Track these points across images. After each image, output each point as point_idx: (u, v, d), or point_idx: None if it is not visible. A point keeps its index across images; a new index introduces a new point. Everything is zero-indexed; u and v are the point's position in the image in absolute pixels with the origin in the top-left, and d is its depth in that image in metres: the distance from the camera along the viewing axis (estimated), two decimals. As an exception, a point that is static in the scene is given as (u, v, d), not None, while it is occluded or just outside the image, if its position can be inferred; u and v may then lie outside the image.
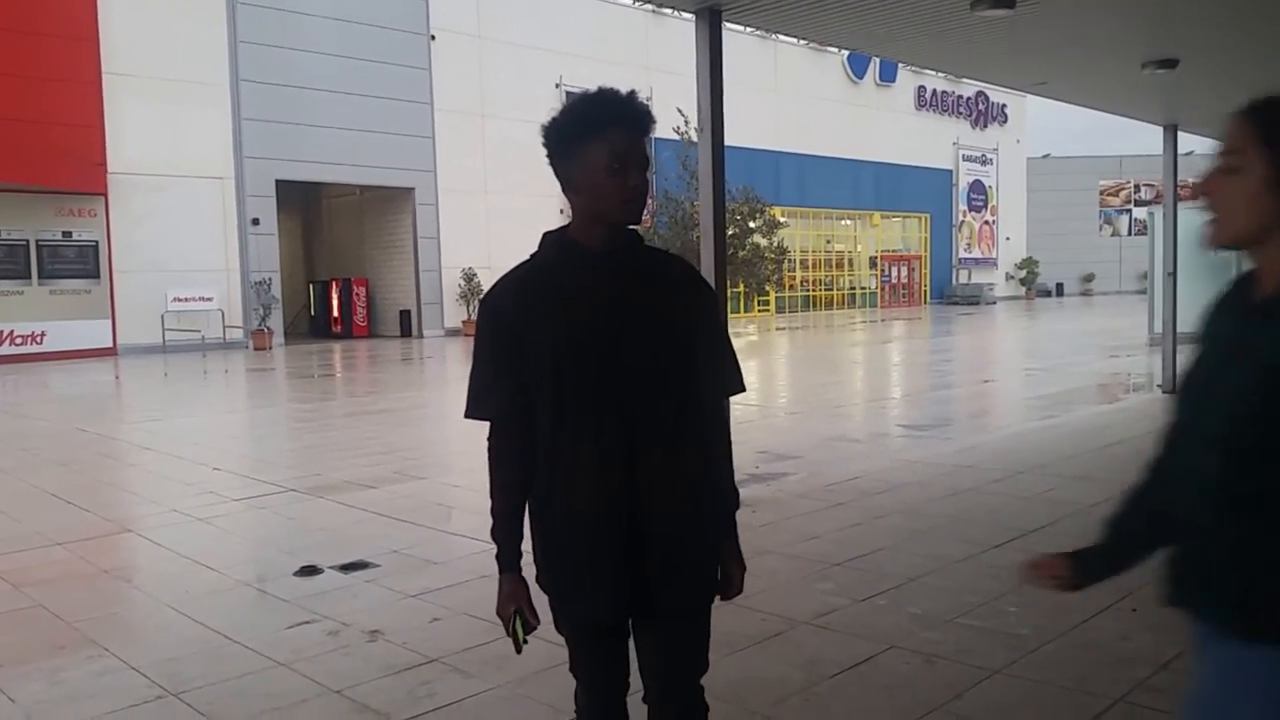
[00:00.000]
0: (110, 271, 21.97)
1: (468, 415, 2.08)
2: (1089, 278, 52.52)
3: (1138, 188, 52.23)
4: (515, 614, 2.03)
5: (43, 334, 21.19)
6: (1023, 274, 48.50)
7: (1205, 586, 1.58)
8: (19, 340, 20.94)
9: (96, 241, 21.83)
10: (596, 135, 1.93)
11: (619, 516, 1.99)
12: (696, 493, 2.07)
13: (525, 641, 2.06)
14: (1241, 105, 1.55)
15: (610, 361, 1.98)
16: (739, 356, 2.18)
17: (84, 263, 21.82)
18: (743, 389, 2.20)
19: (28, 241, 21.07)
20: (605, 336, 1.98)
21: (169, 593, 4.91)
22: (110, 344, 21.92)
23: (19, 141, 19.66)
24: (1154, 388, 12.27)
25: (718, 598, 2.17)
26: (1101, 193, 53.31)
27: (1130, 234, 51.77)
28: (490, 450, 2.07)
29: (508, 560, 2.06)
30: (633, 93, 2.03)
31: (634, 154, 1.95)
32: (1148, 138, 12.40)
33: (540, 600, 2.09)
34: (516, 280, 2.06)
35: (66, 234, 21.49)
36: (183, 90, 22.71)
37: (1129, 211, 52.87)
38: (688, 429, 2.06)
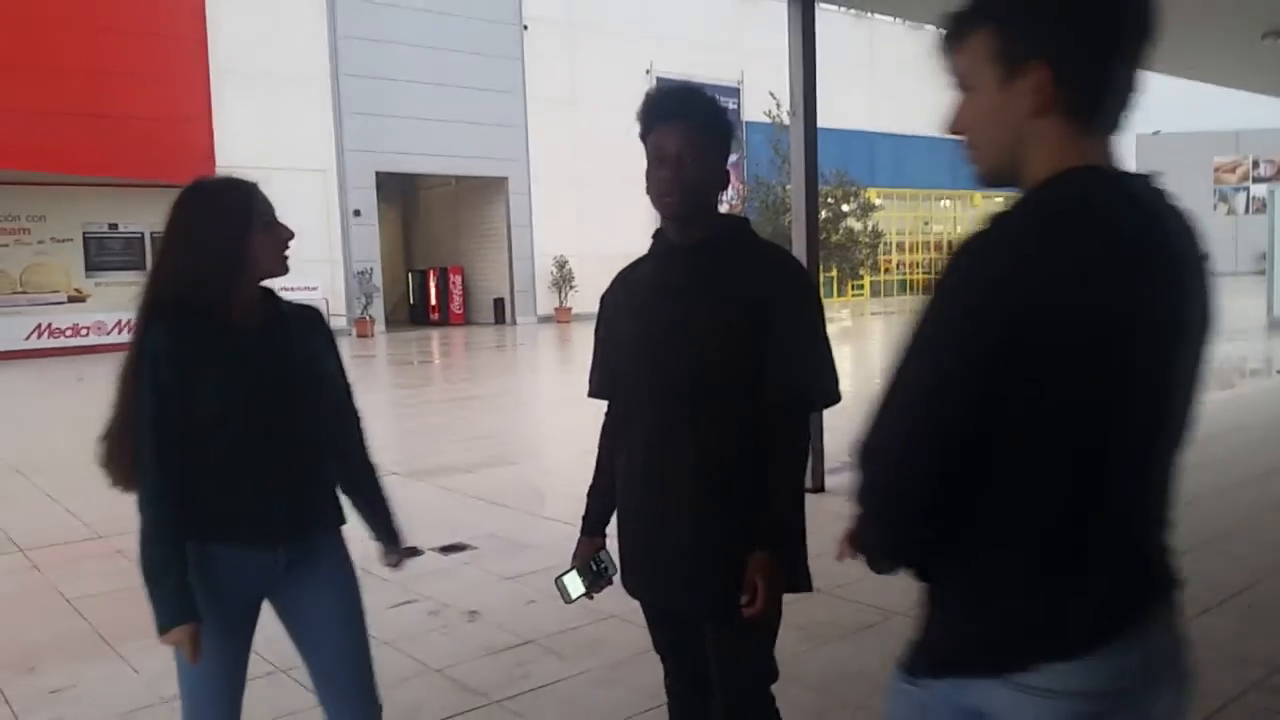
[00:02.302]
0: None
1: (588, 394, 2.29)
2: (1203, 258, 50.30)
3: (1256, 163, 49.69)
4: (573, 568, 2.22)
5: (156, 324, 22.19)
6: (1131, 255, 46.71)
7: None
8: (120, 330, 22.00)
9: (207, 233, 22.70)
10: (648, 132, 2.03)
11: (646, 507, 2.09)
12: (726, 498, 2.01)
13: (575, 598, 2.22)
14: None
15: (658, 355, 2.04)
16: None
17: (195, 254, 22.76)
18: (828, 398, 2.06)
19: (143, 234, 22.06)
20: (656, 331, 2.05)
21: (277, 572, 5.11)
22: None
23: (133, 137, 20.57)
24: (1274, 373, 11.68)
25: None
26: (1216, 169, 50.88)
27: (1248, 212, 49.30)
28: (601, 425, 2.28)
29: (586, 524, 2.27)
30: (688, 88, 2.09)
31: (671, 148, 1.98)
32: (1266, 110, 11.78)
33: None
34: (622, 272, 2.24)
35: (179, 227, 22.43)
36: (286, 85, 23.44)
37: (1246, 189, 50.36)
38: (733, 432, 2.01)
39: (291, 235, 2.15)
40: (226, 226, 2.06)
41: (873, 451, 1.21)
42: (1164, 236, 1.22)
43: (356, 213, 24.83)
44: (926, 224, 40.44)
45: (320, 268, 23.93)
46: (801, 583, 2.11)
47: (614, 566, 2.23)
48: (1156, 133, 50.41)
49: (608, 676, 3.54)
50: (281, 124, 23.34)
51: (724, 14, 31.01)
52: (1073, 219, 1.16)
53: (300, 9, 23.86)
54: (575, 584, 2.21)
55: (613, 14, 28.99)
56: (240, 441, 2.05)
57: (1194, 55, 9.48)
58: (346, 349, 22.54)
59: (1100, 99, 1.22)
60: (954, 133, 1.29)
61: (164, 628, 1.97)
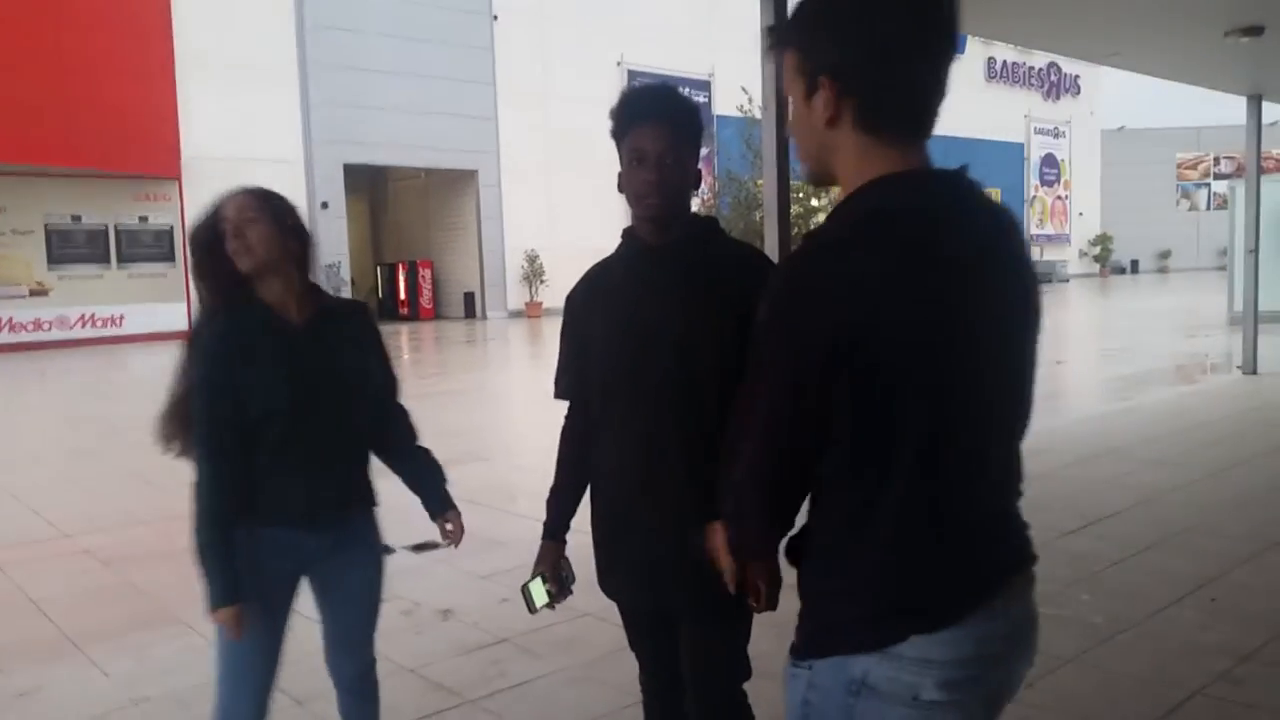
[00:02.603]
0: (185, 255, 22.49)
1: (554, 395, 2.27)
2: (1165, 254, 51.00)
3: (1217, 160, 50.48)
4: (538, 575, 2.20)
5: (121, 317, 21.88)
6: (1097, 250, 47.27)
7: None
8: (100, 323, 21.65)
9: (171, 225, 22.42)
10: (624, 133, 2.02)
11: (627, 509, 2.10)
12: (710, 498, 1.99)
13: (539, 608, 2.20)
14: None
15: (640, 358, 2.04)
16: None
17: (160, 247, 22.45)
18: None
19: (107, 226, 21.74)
20: (636, 334, 2.05)
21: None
22: (187, 327, 22.40)
23: (97, 127, 20.24)
24: (1234, 369, 11.90)
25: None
26: (1179, 166, 51.66)
27: (1209, 208, 50.12)
28: (562, 427, 2.26)
29: (548, 528, 2.24)
30: (664, 88, 2.09)
31: (651, 149, 1.98)
32: (1228, 108, 11.97)
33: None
34: (590, 272, 2.21)
35: (143, 219, 22.12)
36: (252, 75, 23.16)
37: (1208, 185, 51.17)
38: (717, 432, 1.98)
39: (234, 237, 2.23)
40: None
41: (739, 483, 1.33)
42: (972, 235, 1.29)
43: (324, 205, 24.60)
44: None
45: (288, 261, 23.69)
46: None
47: (573, 575, 2.23)
48: (1121, 129, 51.08)
49: (583, 675, 3.55)
50: (248, 115, 23.05)
51: (694, 7, 31.02)
52: (874, 231, 1.23)
53: (267, -1, 23.59)
54: (540, 592, 2.19)
55: (583, 6, 28.91)
56: (289, 432, 2.21)
57: (1157, 53, 9.60)
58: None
59: (887, 106, 1.27)
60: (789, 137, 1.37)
61: (213, 607, 2.17)
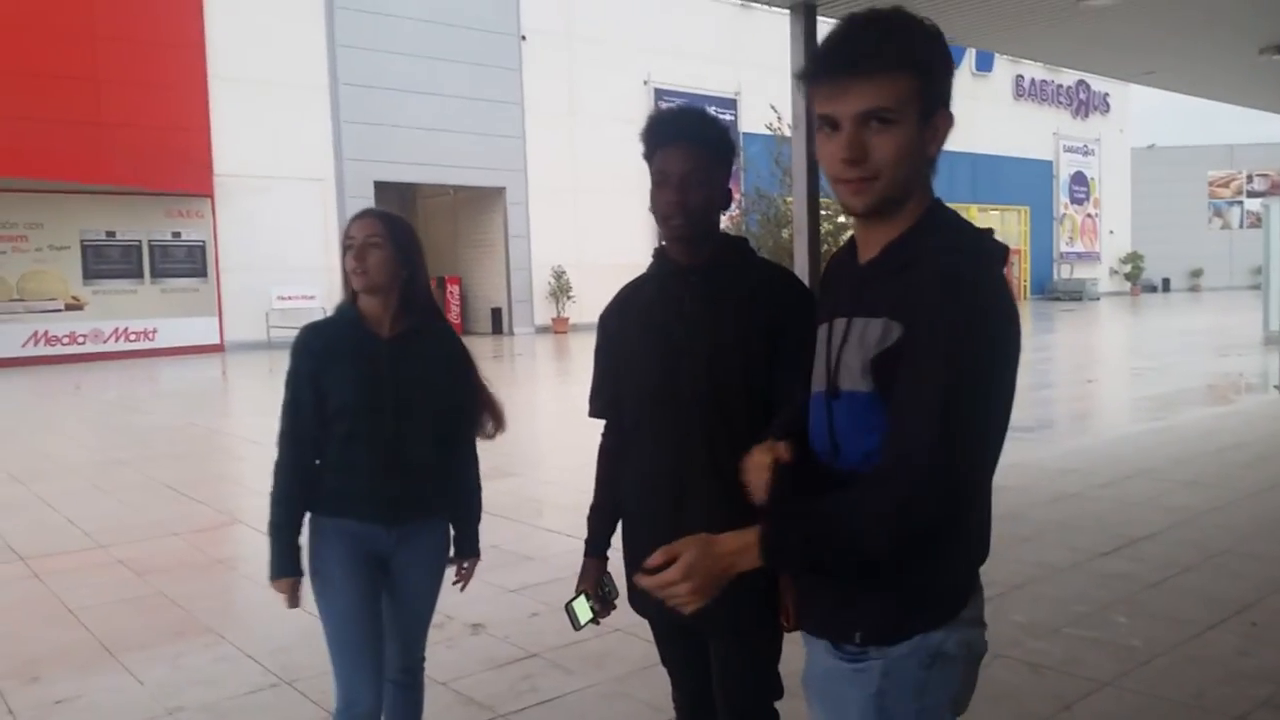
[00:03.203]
0: (217, 270, 22.84)
1: (589, 414, 2.32)
2: (1197, 273, 50.41)
3: (1250, 178, 49.91)
4: (581, 593, 2.22)
5: (154, 330, 22.13)
6: (1127, 269, 46.79)
7: None
8: (133, 336, 21.92)
9: (204, 242, 22.70)
10: (652, 154, 2.05)
11: (658, 526, 2.07)
12: (740, 517, 2.00)
13: (584, 624, 2.21)
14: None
15: (670, 377, 2.06)
16: None
17: (192, 262, 22.72)
18: None
19: (140, 242, 22.02)
20: (666, 354, 2.07)
21: (279, 583, 5.10)
22: (218, 340, 22.79)
23: (132, 146, 20.56)
24: (1270, 389, 11.73)
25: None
26: (1211, 183, 51.09)
27: (1242, 226, 49.50)
28: (599, 446, 2.31)
29: (589, 545, 2.29)
30: (691, 110, 2.12)
31: (675, 170, 2.01)
32: (1262, 125, 11.85)
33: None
34: (622, 291, 2.24)
35: (176, 234, 22.40)
36: (284, 94, 23.43)
37: (1240, 203, 50.56)
38: (743, 446, 1.95)
39: (355, 259, 2.44)
40: (341, 250, 2.51)
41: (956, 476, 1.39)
42: None
43: (353, 222, 24.83)
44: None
45: (318, 276, 23.90)
46: None
47: (617, 590, 2.24)
48: (1151, 147, 50.67)
49: (615, 690, 3.55)
50: (280, 133, 23.32)
51: (722, 26, 31.12)
52: (996, 253, 1.47)
53: (299, 18, 23.86)
54: (584, 610, 2.20)
55: (611, 25, 29.07)
56: (357, 432, 2.44)
57: (1190, 70, 9.55)
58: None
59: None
60: (856, 161, 1.38)
61: (272, 577, 2.48)
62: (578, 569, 2.29)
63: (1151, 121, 49.88)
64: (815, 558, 1.43)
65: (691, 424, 2.04)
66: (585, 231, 28.10)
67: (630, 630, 3.72)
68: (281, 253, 23.36)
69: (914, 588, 1.45)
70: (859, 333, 1.44)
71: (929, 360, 1.33)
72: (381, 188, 25.51)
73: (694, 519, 2.06)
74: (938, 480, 1.32)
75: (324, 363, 2.44)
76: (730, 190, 2.13)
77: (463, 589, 2.74)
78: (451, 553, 2.70)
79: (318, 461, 2.49)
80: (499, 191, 28.00)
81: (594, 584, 2.23)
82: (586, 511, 2.32)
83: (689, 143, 2.02)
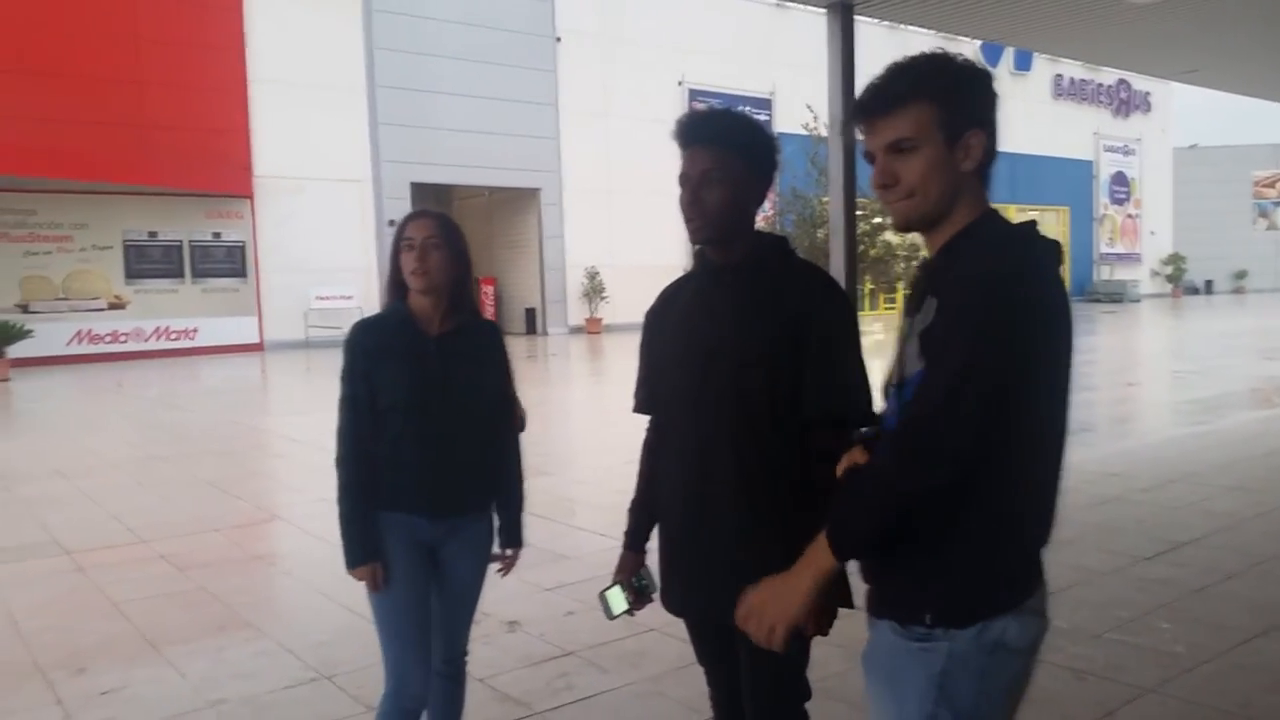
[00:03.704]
0: (256, 270, 23.13)
1: (633, 409, 2.35)
2: (1241, 274, 49.48)
3: (1296, 178, 48.95)
4: (616, 583, 2.25)
5: (195, 330, 22.44)
6: (1169, 270, 46.05)
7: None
8: (173, 335, 22.25)
9: (243, 242, 22.99)
10: (681, 157, 2.09)
11: (686, 523, 2.12)
12: (767, 515, 2.02)
13: (617, 614, 2.25)
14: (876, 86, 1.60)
15: (699, 375, 2.07)
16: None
17: (232, 262, 23.01)
18: (862, 417, 1.94)
19: (181, 242, 22.34)
20: (696, 351, 2.08)
21: (318, 578, 5.16)
22: (257, 340, 23.06)
23: (174, 148, 20.87)
24: (1317, 392, 11.50)
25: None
26: (1256, 184, 50.14)
27: (1288, 227, 48.56)
28: (643, 441, 2.32)
29: (627, 538, 2.30)
30: (713, 112, 2.12)
31: (691, 172, 2.04)
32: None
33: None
34: (666, 289, 2.28)
35: (216, 235, 22.70)
36: (323, 96, 23.67)
37: (1286, 203, 49.61)
38: (774, 451, 2.01)
39: (416, 260, 2.49)
40: (391, 249, 2.56)
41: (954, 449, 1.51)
42: None
43: (391, 223, 24.97)
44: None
45: (355, 277, 24.14)
46: (844, 599, 2.07)
47: (655, 584, 2.25)
48: (1194, 146, 49.83)
49: (650, 690, 3.55)
50: (318, 135, 23.56)
51: (756, 26, 31.02)
52: (1043, 260, 1.59)
53: (337, 21, 24.10)
54: (618, 600, 2.23)
55: (645, 26, 29.08)
56: (407, 428, 2.50)
57: (1234, 69, 9.39)
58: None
59: (993, 159, 1.62)
60: (888, 186, 1.60)
61: (351, 565, 2.52)
62: (613, 566, 2.30)
63: (1194, 120, 49.03)
64: (870, 526, 1.56)
65: (717, 420, 2.05)
66: (619, 232, 28.13)
67: (666, 630, 3.72)
68: (319, 253, 23.61)
69: (982, 572, 1.55)
70: (919, 321, 1.57)
71: (951, 335, 1.48)
72: (418, 189, 25.71)
73: (716, 520, 2.06)
74: (930, 443, 1.47)
75: (375, 360, 2.50)
76: (764, 190, 2.12)
77: (504, 575, 2.78)
78: (496, 544, 2.74)
79: (373, 456, 2.54)
80: (533, 192, 28.11)
81: (628, 576, 2.25)
82: (620, 511, 2.33)
83: (705, 144, 2.04)
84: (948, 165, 1.57)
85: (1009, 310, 1.45)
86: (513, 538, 2.76)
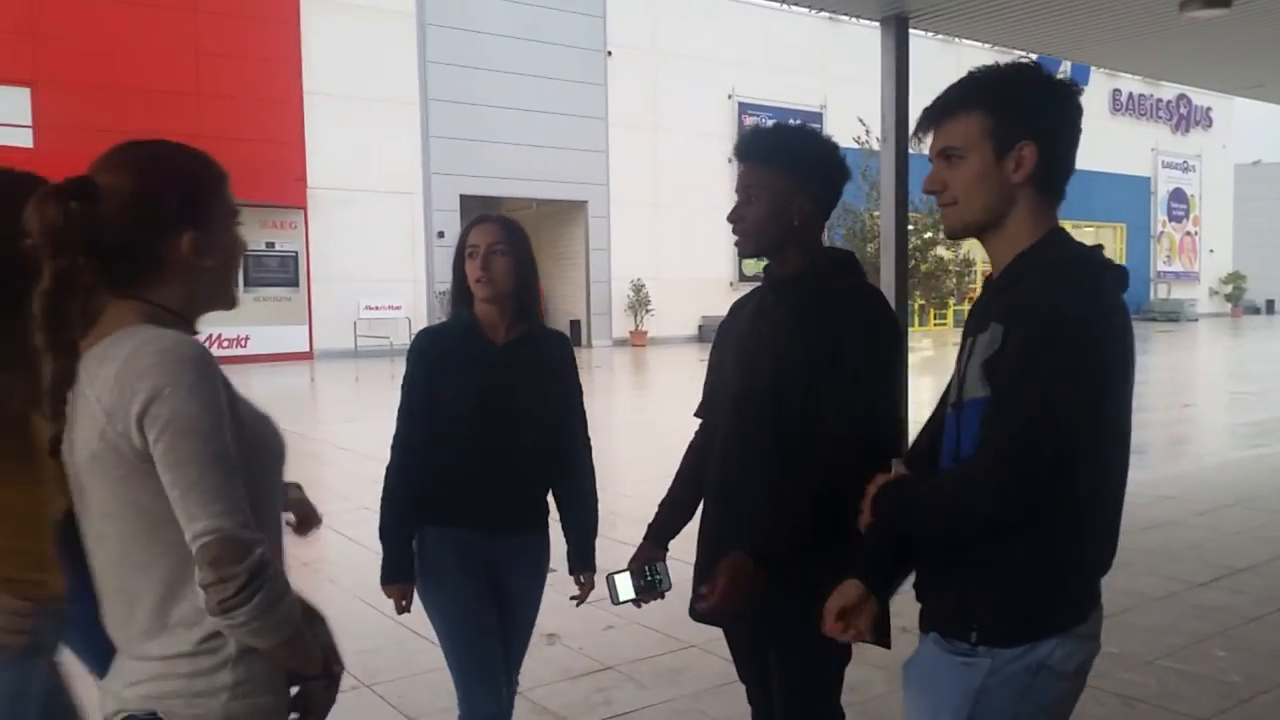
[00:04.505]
0: (308, 280, 23.50)
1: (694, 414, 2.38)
2: (1304, 294, 48.19)
3: (1364, 196, 47.56)
4: (628, 570, 2.22)
5: (247, 338, 22.83)
6: (1228, 289, 44.98)
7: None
8: (226, 343, 22.64)
9: (296, 252, 23.38)
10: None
11: (721, 534, 2.12)
12: (799, 532, 1.98)
13: (622, 600, 2.20)
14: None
15: (743, 385, 2.12)
16: (906, 382, 2.06)
17: (285, 272, 23.41)
18: (879, 447, 1.93)
19: (236, 251, 22.81)
20: (746, 362, 2.13)
21: (361, 586, 5.18)
22: (307, 348, 23.42)
23: (230, 158, 20.61)
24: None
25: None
26: (1321, 201, 48.83)
27: (1354, 246, 47.19)
28: (689, 443, 2.36)
29: (651, 529, 2.29)
30: (762, 130, 2.18)
31: (739, 187, 2.12)
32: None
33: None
34: (739, 300, 2.33)
35: (269, 245, 23.11)
36: (376, 109, 24.04)
37: (1353, 222, 48.20)
38: (807, 467, 1.98)
39: (480, 267, 2.42)
40: (455, 256, 2.50)
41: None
42: None
43: (440, 235, 25.26)
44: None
45: (404, 287, 24.41)
46: (883, 638, 2.00)
47: (668, 582, 2.22)
48: (1257, 163, 48.67)
49: (689, 707, 3.52)
50: (371, 147, 23.91)
51: (808, 39, 30.93)
52: (1108, 268, 1.60)
53: (392, 35, 24.48)
54: (626, 585, 2.20)
55: (696, 40, 29.14)
56: (471, 440, 2.43)
57: (1301, 84, 9.14)
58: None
59: (1062, 174, 1.61)
60: (934, 192, 1.63)
61: (383, 583, 2.48)
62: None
63: (1259, 135, 47.82)
64: (916, 531, 1.63)
65: (755, 431, 2.07)
66: (665, 245, 28.15)
67: (705, 647, 3.70)
68: (369, 263, 23.93)
69: (1032, 595, 1.55)
70: (982, 344, 1.57)
71: (1024, 375, 1.47)
72: (467, 201, 25.96)
73: (745, 525, 2.03)
74: (1011, 469, 1.47)
75: (439, 369, 2.44)
76: (815, 204, 2.10)
77: (579, 604, 2.67)
78: (565, 566, 2.66)
79: (430, 468, 2.47)
80: (581, 205, 28.25)
81: (640, 565, 2.21)
82: None
83: (746, 160, 2.12)
84: (995, 175, 1.57)
85: (1082, 354, 1.46)
86: (585, 561, 2.64)
